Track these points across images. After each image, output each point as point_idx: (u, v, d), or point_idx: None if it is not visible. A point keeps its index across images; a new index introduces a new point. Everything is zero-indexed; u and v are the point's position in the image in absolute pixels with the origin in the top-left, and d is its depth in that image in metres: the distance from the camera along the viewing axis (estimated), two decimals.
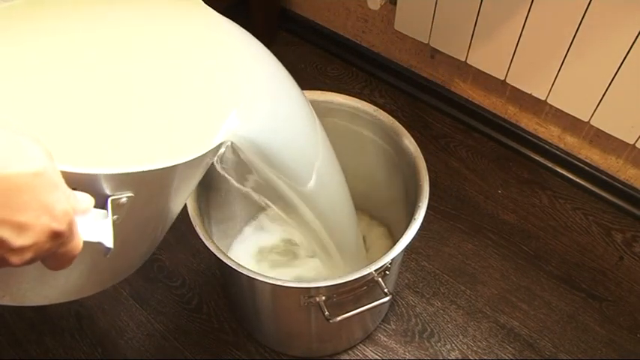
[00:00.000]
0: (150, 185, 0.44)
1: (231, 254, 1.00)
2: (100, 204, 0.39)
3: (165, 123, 0.48)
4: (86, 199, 0.37)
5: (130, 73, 0.49)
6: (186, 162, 0.44)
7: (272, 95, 0.58)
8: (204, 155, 0.47)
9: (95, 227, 0.39)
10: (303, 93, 0.67)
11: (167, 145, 0.47)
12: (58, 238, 0.34)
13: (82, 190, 0.37)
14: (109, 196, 0.40)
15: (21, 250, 0.32)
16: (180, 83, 0.51)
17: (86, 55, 0.49)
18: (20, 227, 0.31)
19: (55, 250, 0.35)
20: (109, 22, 0.52)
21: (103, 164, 0.38)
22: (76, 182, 0.36)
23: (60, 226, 0.33)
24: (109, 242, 0.39)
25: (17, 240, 0.31)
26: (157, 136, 0.47)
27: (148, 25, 0.53)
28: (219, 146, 0.49)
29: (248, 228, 1.03)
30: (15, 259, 0.32)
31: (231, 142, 0.51)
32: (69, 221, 0.34)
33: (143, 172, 0.41)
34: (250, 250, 1.00)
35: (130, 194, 0.41)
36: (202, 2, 0.55)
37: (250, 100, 0.53)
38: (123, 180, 0.40)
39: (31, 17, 0.49)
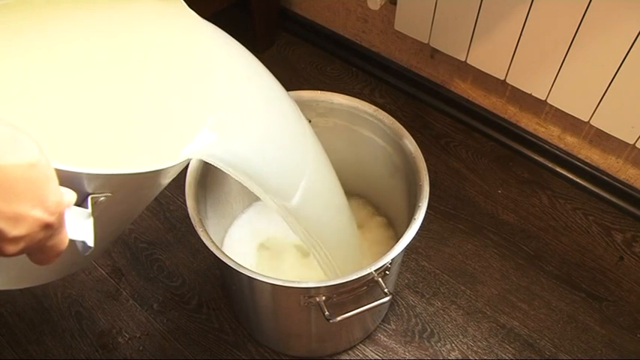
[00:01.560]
0: (127, 187, 0.45)
1: (228, 237, 0.99)
2: (79, 201, 0.40)
3: (147, 128, 0.49)
4: (69, 194, 0.38)
5: (113, 77, 0.50)
6: (165, 168, 0.46)
7: (253, 109, 0.57)
8: (179, 164, 0.48)
9: (78, 226, 0.39)
10: (293, 103, 0.65)
11: (148, 149, 0.48)
12: (49, 228, 0.34)
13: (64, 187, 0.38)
14: (89, 195, 0.41)
15: (15, 239, 0.33)
16: (162, 91, 0.51)
17: (71, 60, 0.49)
18: (16, 218, 0.32)
19: (44, 243, 0.35)
20: (95, 28, 0.51)
21: (85, 164, 0.39)
22: (61, 179, 0.37)
23: (51, 216, 0.34)
24: (91, 241, 0.40)
25: (13, 230, 0.32)
26: (138, 140, 0.48)
27: (133, 31, 0.53)
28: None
29: (246, 213, 1.02)
30: (10, 248, 0.33)
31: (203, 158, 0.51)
32: (60, 213, 0.35)
33: (124, 174, 0.42)
34: (247, 236, 1.00)
35: (109, 194, 0.42)
36: (187, 7, 0.54)
37: (226, 115, 0.52)
38: (105, 180, 0.41)
39: (15, 20, 0.49)
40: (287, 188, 0.64)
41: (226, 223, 0.99)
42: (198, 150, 0.50)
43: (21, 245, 0.33)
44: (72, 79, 0.48)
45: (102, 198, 0.41)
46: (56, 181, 0.34)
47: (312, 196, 0.68)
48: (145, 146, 0.48)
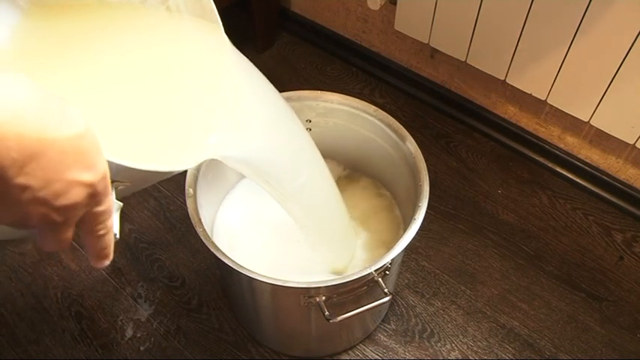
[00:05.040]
0: (146, 179, 0.48)
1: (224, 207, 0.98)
2: None
3: (173, 130, 0.53)
4: None
5: (148, 84, 0.55)
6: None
7: (261, 116, 0.64)
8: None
9: None
10: (290, 108, 0.71)
11: (174, 149, 0.52)
12: (96, 195, 0.35)
13: None
14: (113, 182, 0.41)
15: (64, 208, 0.33)
16: (187, 99, 0.56)
17: (116, 66, 0.54)
18: (64, 187, 0.32)
19: (91, 209, 0.36)
20: (140, 40, 0.57)
21: (115, 155, 0.41)
22: None
23: (99, 184, 0.35)
24: (118, 232, 0.41)
25: (62, 200, 0.33)
26: (166, 139, 0.52)
27: (171, 47, 0.58)
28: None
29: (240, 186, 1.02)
30: (58, 217, 0.34)
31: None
32: (107, 182, 0.36)
33: (155, 171, 0.44)
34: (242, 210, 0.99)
35: (128, 183, 0.44)
36: (222, 30, 0.58)
37: (239, 121, 0.58)
38: (134, 172, 0.42)
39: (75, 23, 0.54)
40: (287, 180, 0.70)
41: (219, 182, 0.98)
42: (216, 151, 0.55)
43: (69, 214, 0.34)
44: (114, 82, 0.52)
45: (121, 186, 0.43)
46: (102, 150, 0.35)
47: (308, 184, 0.74)
48: (172, 146, 0.52)
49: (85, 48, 0.53)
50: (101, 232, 0.37)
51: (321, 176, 0.78)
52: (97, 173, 0.34)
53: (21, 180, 0.30)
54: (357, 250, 0.93)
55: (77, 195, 0.33)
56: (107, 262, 0.40)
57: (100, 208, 0.36)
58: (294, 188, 0.71)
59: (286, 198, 0.71)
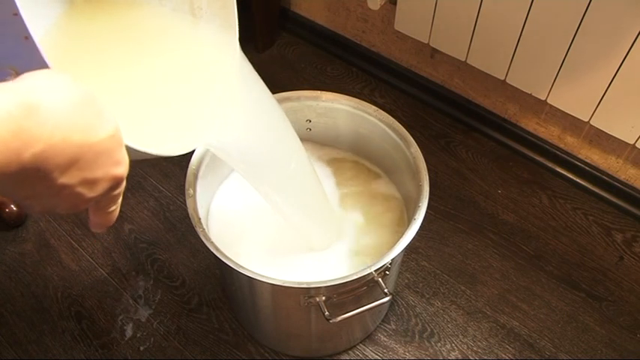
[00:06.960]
0: (141, 158, 0.50)
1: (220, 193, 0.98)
2: None
3: (175, 119, 0.57)
4: None
5: (160, 79, 0.59)
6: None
7: (250, 113, 0.68)
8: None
9: None
10: (280, 108, 0.74)
11: (164, 136, 0.56)
12: (119, 184, 0.38)
13: None
14: None
15: (92, 199, 0.36)
16: (187, 98, 0.60)
17: (137, 61, 0.59)
18: (95, 182, 0.35)
19: (109, 194, 0.38)
20: (161, 41, 0.61)
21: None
22: None
23: (123, 175, 0.37)
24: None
25: (90, 193, 0.36)
26: (168, 127, 0.56)
27: (186, 48, 0.63)
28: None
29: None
30: (84, 205, 0.37)
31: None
32: (127, 170, 0.38)
33: (155, 154, 0.46)
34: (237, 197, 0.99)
35: None
36: (237, 42, 0.63)
37: (231, 116, 0.62)
38: (135, 154, 0.43)
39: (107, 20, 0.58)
40: (268, 171, 0.74)
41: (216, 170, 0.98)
42: (209, 142, 0.59)
43: (92, 202, 0.37)
44: (129, 78, 0.56)
45: None
46: (124, 143, 0.37)
47: (290, 177, 0.78)
48: (168, 132, 0.56)
49: (111, 46, 0.58)
50: (112, 209, 0.40)
51: (302, 169, 0.81)
52: (123, 167, 0.37)
53: (63, 180, 0.33)
54: (356, 250, 0.93)
55: (105, 187, 0.36)
56: (106, 229, 0.43)
57: (117, 192, 0.39)
58: (274, 179, 0.75)
59: (265, 186, 0.74)
